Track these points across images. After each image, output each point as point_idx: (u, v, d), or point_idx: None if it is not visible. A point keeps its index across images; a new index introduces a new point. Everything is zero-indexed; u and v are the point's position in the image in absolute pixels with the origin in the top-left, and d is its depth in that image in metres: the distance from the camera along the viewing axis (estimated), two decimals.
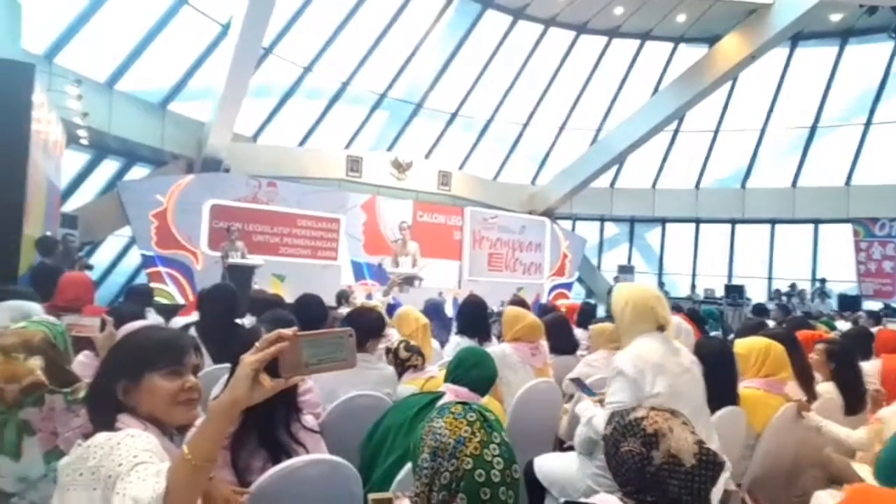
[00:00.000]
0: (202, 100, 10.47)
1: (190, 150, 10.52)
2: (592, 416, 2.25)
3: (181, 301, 9.10)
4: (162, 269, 9.32)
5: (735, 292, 12.75)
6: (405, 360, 2.89)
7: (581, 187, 14.34)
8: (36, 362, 1.64)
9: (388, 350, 2.91)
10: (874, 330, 4.59)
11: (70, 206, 9.66)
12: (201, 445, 0.97)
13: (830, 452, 2.67)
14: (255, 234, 10.16)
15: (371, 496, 1.33)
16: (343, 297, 6.77)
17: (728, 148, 14.45)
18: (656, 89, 13.93)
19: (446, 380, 2.13)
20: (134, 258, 10.19)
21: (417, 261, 11.64)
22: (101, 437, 1.13)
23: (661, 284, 14.92)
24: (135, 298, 4.55)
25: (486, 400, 2.29)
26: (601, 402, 2.30)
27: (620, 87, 14.41)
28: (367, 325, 2.71)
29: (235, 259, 8.01)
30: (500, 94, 14.02)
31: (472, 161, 14.79)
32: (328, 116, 12.56)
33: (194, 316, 3.45)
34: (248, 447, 1.61)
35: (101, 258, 10.89)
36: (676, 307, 6.68)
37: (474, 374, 2.10)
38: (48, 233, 6.88)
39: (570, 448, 2.61)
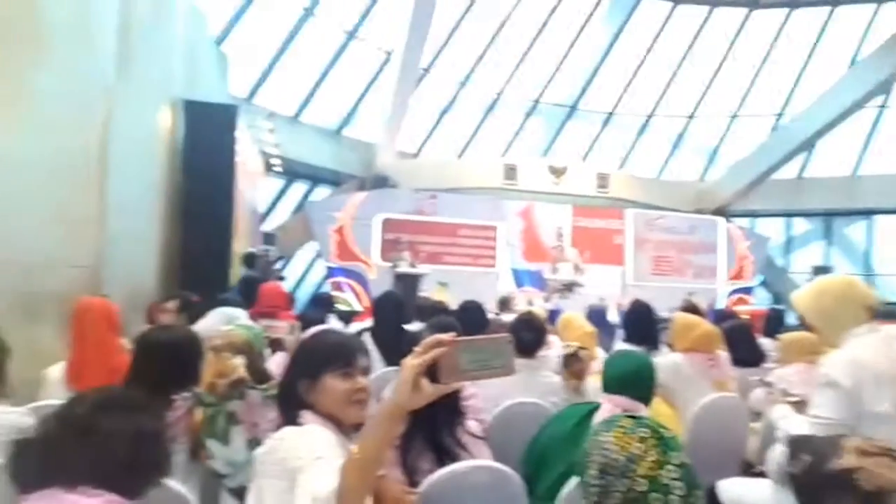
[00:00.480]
0: (372, 122, 11.43)
1: (362, 169, 11.53)
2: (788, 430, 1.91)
3: (358, 307, 9.94)
4: (341, 279, 10.30)
5: None
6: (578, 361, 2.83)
7: (761, 180, 12.81)
8: (239, 361, 1.90)
9: (565, 355, 2.87)
10: None
11: (268, 226, 11.13)
12: (369, 445, 1.02)
13: None
14: (421, 244, 10.74)
15: None
16: (505, 303, 6.84)
17: None
18: (854, 60, 11.98)
19: (603, 388, 1.99)
20: (320, 270, 11.39)
21: (580, 266, 11.34)
22: (287, 431, 1.24)
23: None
24: (318, 305, 5.09)
25: (662, 413, 2.13)
26: (797, 404, 1.97)
27: (806, 64, 12.66)
28: (532, 334, 2.71)
29: (403, 268, 8.53)
30: (661, 88, 13.16)
31: (632, 160, 14.07)
32: (484, 127, 12.88)
33: (368, 322, 3.74)
34: (415, 448, 1.67)
35: (293, 270, 12.37)
36: (889, 314, 5.62)
37: (624, 376, 1.91)
38: (251, 249, 7.98)
39: (762, 474, 2.33)
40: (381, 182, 11.18)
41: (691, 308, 4.52)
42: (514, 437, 2.13)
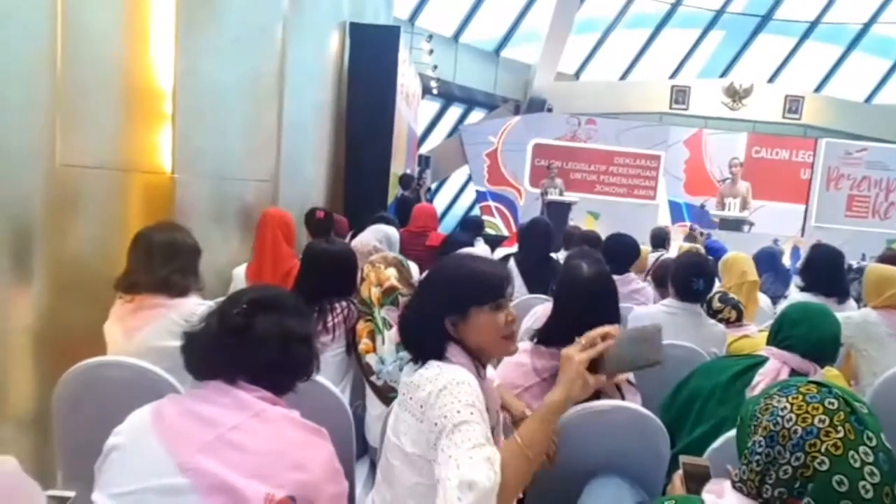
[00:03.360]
0: (531, 42, 10.93)
1: (518, 92, 11.22)
2: None
3: (505, 233, 10.03)
4: (491, 203, 10.41)
5: None
6: (717, 312, 2.61)
7: None
8: (392, 272, 2.03)
9: (784, 276, 2.68)
10: None
11: (424, 149, 11.46)
12: (535, 439, 1.04)
13: None
14: (573, 171, 10.38)
15: (684, 459, 1.23)
16: (660, 238, 6.35)
17: None
18: None
19: (769, 342, 1.74)
20: (471, 193, 11.60)
21: (749, 203, 10.18)
22: (433, 370, 1.18)
23: None
24: (468, 228, 5.19)
25: (831, 376, 1.88)
26: None
27: None
28: (702, 280, 2.53)
29: (554, 196, 8.35)
30: None
31: (835, 81, 11.88)
32: (653, 45, 11.66)
33: (514, 248, 3.74)
34: None
35: (446, 193, 12.75)
36: None
37: (803, 332, 1.64)
38: (408, 170, 8.31)
39: None
40: (537, 106, 10.81)
41: (893, 258, 3.83)
42: (661, 379, 2.03)
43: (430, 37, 9.17)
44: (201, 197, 3.05)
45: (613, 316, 1.67)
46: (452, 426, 1.06)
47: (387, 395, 1.80)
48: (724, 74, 11.84)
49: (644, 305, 2.72)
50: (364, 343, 1.87)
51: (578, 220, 8.87)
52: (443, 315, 1.25)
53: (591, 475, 1.45)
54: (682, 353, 2.28)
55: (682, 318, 2.49)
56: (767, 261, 4.24)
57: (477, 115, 12.18)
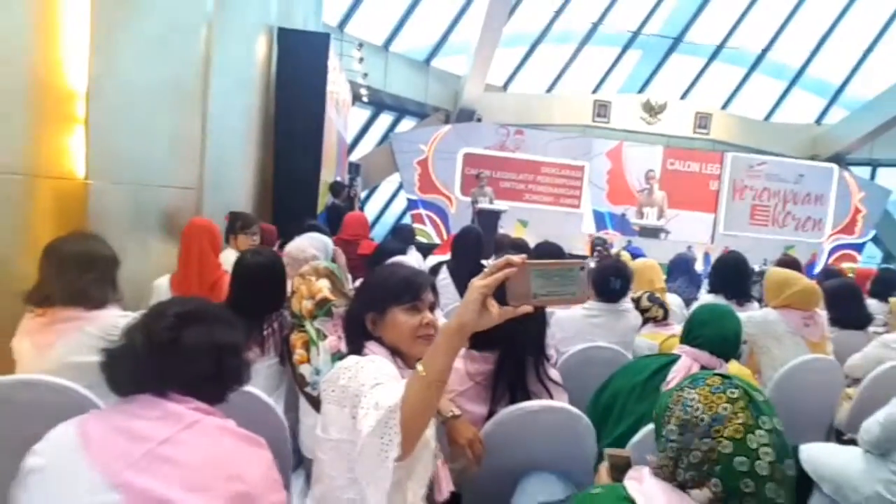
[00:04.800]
0: (460, 54, 11.13)
1: (448, 102, 11.37)
2: None
3: (437, 241, 10.11)
4: (423, 211, 10.46)
5: None
6: (645, 311, 2.78)
7: (888, 126, 11.38)
8: (324, 283, 2.01)
9: (631, 299, 2.83)
10: None
11: (355, 157, 11.37)
12: (432, 364, 1.01)
13: None
14: (503, 180, 10.62)
15: (608, 451, 1.31)
16: (598, 246, 6.48)
17: None
18: None
19: (682, 340, 1.91)
20: (402, 201, 11.60)
21: (665, 212, 10.84)
22: (350, 360, 1.25)
23: None
24: (399, 236, 5.21)
25: (735, 369, 2.05)
26: None
27: None
28: (620, 281, 2.69)
29: (484, 204, 8.51)
30: (781, 19, 11.77)
31: (739, 100, 12.88)
32: (577, 60, 12.19)
33: (447, 256, 3.80)
34: (500, 388, 1.66)
35: (378, 201, 12.69)
36: None
37: (709, 332, 1.82)
38: (338, 178, 8.22)
39: (852, 442, 2.21)
40: (467, 115, 11.00)
41: (790, 262, 4.20)
42: (586, 380, 2.13)
43: (361, 45, 9.14)
44: (118, 204, 2.89)
45: (539, 321, 1.76)
46: (370, 387, 1.13)
47: (321, 405, 1.79)
48: (641, 90, 12.54)
49: (567, 308, 2.83)
50: (298, 354, 1.85)
51: (508, 227, 9.10)
52: (365, 312, 1.36)
53: (523, 472, 1.51)
54: (607, 354, 2.40)
55: (603, 319, 2.63)
56: (681, 266, 4.53)
57: (408, 124, 12.23)
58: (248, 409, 1.42)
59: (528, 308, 0.99)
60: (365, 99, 10.42)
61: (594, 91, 12.42)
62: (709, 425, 0.93)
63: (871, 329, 3.23)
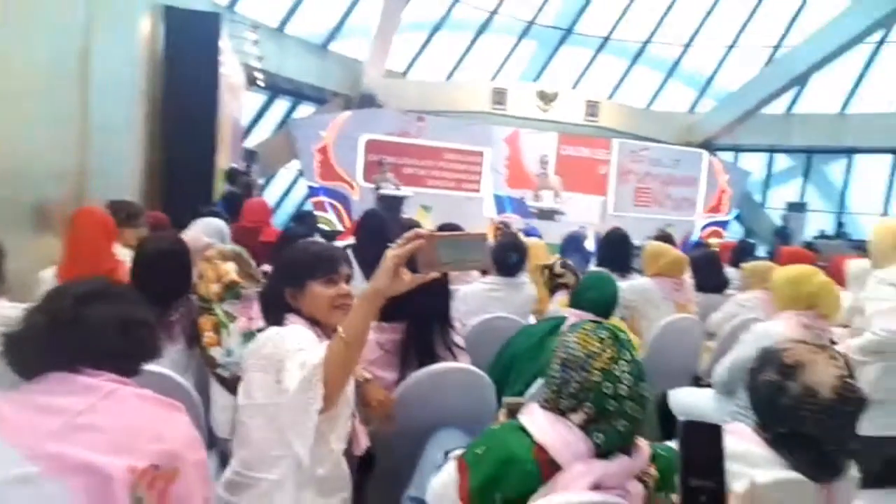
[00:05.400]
0: (359, 38, 11.01)
1: (348, 87, 11.22)
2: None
3: (340, 227, 10.02)
4: (324, 198, 10.30)
5: None
6: (559, 276, 3.02)
7: (749, 115, 12.77)
8: (231, 266, 2.02)
9: (544, 266, 3.06)
10: None
11: (250, 143, 10.94)
12: (351, 327, 1.14)
13: None
14: (405, 166, 10.69)
15: (505, 399, 1.49)
16: (503, 228, 6.73)
17: None
18: None
19: (570, 304, 2.19)
20: (302, 189, 11.34)
21: (560, 195, 11.47)
22: (273, 330, 1.38)
23: (839, 225, 13.12)
24: (302, 223, 5.16)
25: (615, 320, 2.32)
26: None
27: None
28: (517, 255, 2.90)
29: (387, 190, 8.57)
30: (660, 14, 12.77)
31: (624, 89, 13.84)
32: (475, 48, 12.49)
33: (351, 241, 3.84)
34: (409, 354, 1.83)
35: (277, 188, 12.29)
36: (863, 248, 5.91)
37: (591, 295, 2.14)
38: (234, 165, 7.91)
39: (708, 385, 2.58)
40: (367, 101, 10.92)
41: (664, 237, 4.70)
42: (489, 348, 2.32)
43: (256, 26, 8.79)
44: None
45: (444, 293, 1.92)
46: (295, 351, 1.24)
47: (235, 385, 1.81)
48: (536, 79, 13.10)
49: (469, 284, 3.01)
50: (208, 336, 1.85)
51: (411, 213, 9.22)
52: (283, 287, 1.45)
53: (432, 429, 1.65)
54: (505, 323, 2.61)
55: (503, 293, 2.84)
56: (573, 244, 4.90)
57: (306, 109, 11.93)
58: (160, 391, 1.43)
59: (436, 274, 1.13)
60: (260, 83, 10.04)
61: (492, 79, 12.80)
62: (584, 360, 1.14)
63: (728, 291, 3.72)
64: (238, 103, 8.83)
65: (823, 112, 13.25)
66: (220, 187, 6.75)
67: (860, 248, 6.25)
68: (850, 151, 13.43)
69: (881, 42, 12.12)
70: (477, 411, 1.78)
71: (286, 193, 12.59)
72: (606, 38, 13.03)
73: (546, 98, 12.47)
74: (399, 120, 10.82)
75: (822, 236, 11.92)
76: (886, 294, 2.10)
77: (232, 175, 7.30)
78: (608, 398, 1.10)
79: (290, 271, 1.49)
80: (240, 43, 8.49)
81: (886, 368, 2.07)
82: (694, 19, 12.89)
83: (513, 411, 1.43)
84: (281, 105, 11.81)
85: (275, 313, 1.47)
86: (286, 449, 1.23)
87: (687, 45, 13.31)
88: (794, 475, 1.28)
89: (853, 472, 1.34)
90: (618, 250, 3.72)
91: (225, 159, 7.22)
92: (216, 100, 5.91)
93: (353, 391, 1.40)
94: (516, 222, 9.38)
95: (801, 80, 12.25)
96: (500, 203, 11.81)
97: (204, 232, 3.19)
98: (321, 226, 9.05)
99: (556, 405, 1.16)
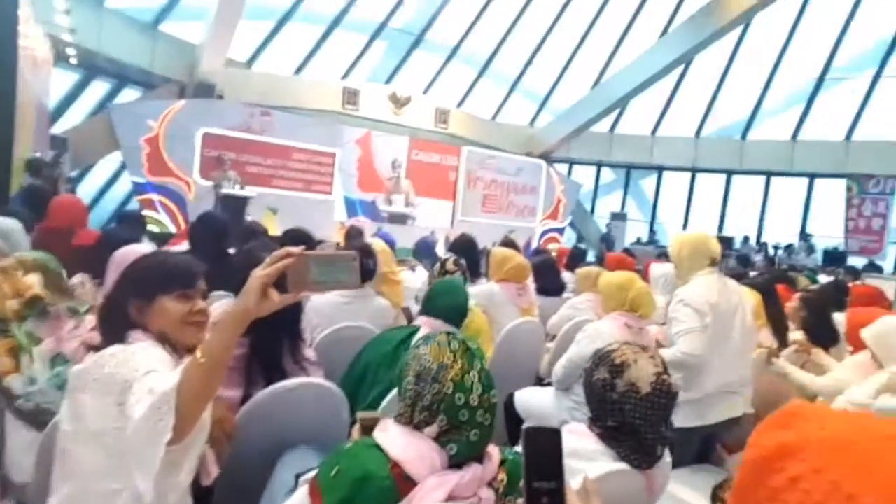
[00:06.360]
0: (196, 21, 10.08)
1: (182, 73, 10.22)
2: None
3: (173, 229, 9.11)
4: (153, 196, 9.26)
5: (724, 244, 12.80)
6: (451, 272, 3.00)
7: (580, 131, 14.14)
8: (34, 278, 1.70)
9: (437, 260, 3.05)
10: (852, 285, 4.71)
11: (60, 128, 9.47)
12: (211, 350, 1.05)
13: (794, 397, 2.82)
14: (249, 164, 10.05)
15: (359, 414, 1.43)
16: (352, 236, 6.53)
17: (733, 96, 14.17)
18: (665, 31, 13.50)
19: (421, 312, 2.20)
20: (126, 184, 10.10)
21: (411, 199, 11.63)
22: (116, 347, 1.22)
23: (651, 233, 15.03)
24: (127, 224, 4.57)
25: (480, 323, 2.37)
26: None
27: (628, 28, 13.95)
28: (370, 262, 2.84)
29: (229, 189, 7.98)
30: (504, 30, 13.57)
31: (471, 99, 14.48)
32: (326, 44, 12.16)
33: (185, 246, 3.48)
34: (255, 370, 1.70)
35: (93, 182, 10.80)
36: (666, 255, 6.84)
37: (442, 302, 2.16)
38: (38, 154, 6.79)
39: (549, 384, 2.75)
40: (205, 90, 10.05)
41: (509, 243, 4.96)
42: (341, 359, 2.23)
43: None
44: None
45: (294, 305, 1.80)
46: (144, 373, 1.12)
47: (38, 417, 1.53)
48: (388, 81, 13.14)
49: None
50: (2, 363, 1.53)
51: (256, 214, 8.68)
52: (128, 300, 1.32)
53: (282, 450, 1.54)
54: (357, 332, 2.53)
55: (355, 305, 2.77)
56: (424, 249, 4.97)
57: (131, 94, 10.64)
58: None
59: (306, 293, 1.13)
60: (73, 60, 8.76)
61: (343, 77, 12.58)
62: (437, 372, 1.14)
63: (565, 295, 4.02)
64: (43, 82, 7.61)
65: (639, 133, 15.12)
66: (20, 180, 5.74)
67: (664, 254, 7.25)
68: (659, 168, 15.47)
69: (683, 75, 14.14)
70: (330, 428, 1.69)
71: (105, 189, 11.13)
72: (455, 48, 13.51)
73: (398, 101, 12.57)
74: (241, 113, 10.12)
75: (638, 243, 13.54)
76: (685, 316, 2.37)
77: (35, 166, 6.22)
78: (460, 409, 1.12)
79: (139, 283, 1.35)
80: (46, 12, 7.32)
81: (685, 378, 2.38)
82: (534, 38, 13.91)
83: (367, 426, 1.39)
84: (99, 87, 10.39)
85: (115, 329, 1.31)
86: (125, 481, 1.10)
87: (527, 63, 14.31)
88: (620, 465, 1.47)
89: (667, 458, 1.55)
90: (466, 255, 3.83)
91: (26, 147, 6.17)
92: (14, 76, 5.02)
93: (209, 417, 1.27)
94: (368, 226, 9.30)
95: (620, 104, 13.85)
96: (352, 206, 11.64)
97: None
98: (151, 227, 8.15)
99: (411, 419, 1.15)
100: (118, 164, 10.34)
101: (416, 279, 3.97)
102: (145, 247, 3.61)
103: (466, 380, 1.14)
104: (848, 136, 13.17)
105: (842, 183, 13.25)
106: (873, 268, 11.14)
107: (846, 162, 13.03)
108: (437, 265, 3.04)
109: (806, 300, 3.17)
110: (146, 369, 1.13)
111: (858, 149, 12.93)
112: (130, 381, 1.12)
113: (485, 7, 12.94)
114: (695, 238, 2.62)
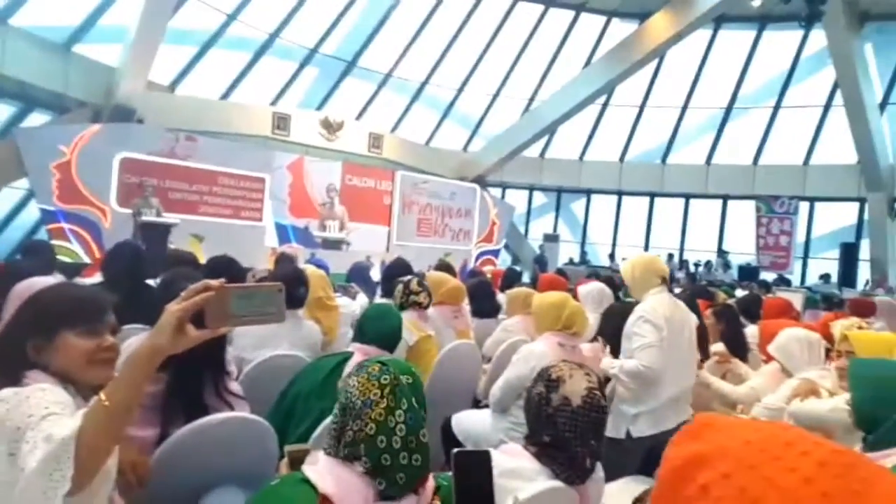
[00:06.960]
0: (113, 43, 9.63)
1: (97, 97, 9.69)
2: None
3: (87, 260, 8.53)
4: (65, 224, 8.66)
5: None
6: (415, 293, 2.92)
7: (512, 156, 14.52)
8: None
9: (400, 282, 2.97)
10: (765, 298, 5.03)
11: None
12: (118, 391, 0.96)
13: (716, 406, 2.95)
14: (172, 191, 9.61)
15: (287, 448, 1.35)
16: (285, 260, 6.28)
17: (652, 123, 15.04)
18: (588, 62, 14.20)
19: (353, 338, 2.14)
20: (34, 212, 9.39)
21: (345, 225, 11.49)
22: (7, 391, 1.09)
23: (583, 253, 15.54)
24: (34, 255, 4.22)
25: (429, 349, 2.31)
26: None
27: (554, 58, 14.58)
28: (303, 288, 2.75)
29: (150, 217, 7.58)
30: (436, 57, 13.83)
31: (405, 125, 14.59)
32: (254, 69, 11.93)
33: (98, 278, 3.25)
34: (173, 407, 1.59)
35: None
36: (595, 274, 7.08)
37: (374, 327, 2.11)
38: None
39: (486, 406, 2.74)
40: (123, 114, 9.55)
41: (445, 266, 4.97)
42: (271, 388, 2.13)
43: None
44: None
45: (216, 339, 1.70)
46: (40, 418, 1.00)
47: None
48: (320, 107, 13.02)
49: None
50: None
51: (181, 243, 8.28)
52: (25, 339, 1.19)
53: (205, 490, 1.43)
54: (289, 361, 2.42)
55: (285, 328, 2.66)
56: (358, 275, 4.89)
57: (40, 118, 9.97)
58: None
59: (226, 329, 1.04)
60: None
61: (273, 103, 12.36)
62: (360, 409, 1.08)
63: (500, 316, 4.05)
64: None
65: (568, 157, 15.71)
66: None
67: (595, 274, 7.50)
68: (588, 192, 16.10)
69: (606, 103, 14.89)
70: (257, 464, 1.59)
71: (10, 219, 10.30)
72: (388, 75, 13.62)
73: (330, 127, 12.47)
74: (164, 138, 9.71)
75: (571, 263, 13.95)
76: (645, 331, 2.49)
77: None
78: (382, 453, 1.06)
79: (39, 319, 1.21)
80: None
81: (643, 389, 2.48)
82: (466, 65, 14.25)
83: (296, 460, 1.33)
84: (3, 110, 9.67)
85: (9, 370, 1.17)
86: None
87: (459, 90, 14.62)
88: (554, 483, 1.46)
89: (600, 473, 1.56)
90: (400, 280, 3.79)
91: None
92: None
93: (115, 463, 1.16)
94: (301, 252, 9.07)
95: (549, 129, 14.37)
96: (284, 232, 11.35)
97: None
98: (61, 258, 7.59)
99: (336, 451, 1.09)
100: (24, 191, 9.62)
101: (355, 305, 3.89)
102: (52, 279, 3.35)
103: (390, 420, 1.07)
104: (755, 161, 14.26)
105: (751, 204, 14.28)
106: (783, 281, 12.01)
107: (754, 184, 14.08)
108: (401, 286, 2.99)
109: (718, 314, 3.37)
110: (42, 414, 1.02)
111: (765, 172, 14.03)
112: (23, 429, 1.01)
113: (417, 34, 13.17)
114: (645, 260, 2.78)
